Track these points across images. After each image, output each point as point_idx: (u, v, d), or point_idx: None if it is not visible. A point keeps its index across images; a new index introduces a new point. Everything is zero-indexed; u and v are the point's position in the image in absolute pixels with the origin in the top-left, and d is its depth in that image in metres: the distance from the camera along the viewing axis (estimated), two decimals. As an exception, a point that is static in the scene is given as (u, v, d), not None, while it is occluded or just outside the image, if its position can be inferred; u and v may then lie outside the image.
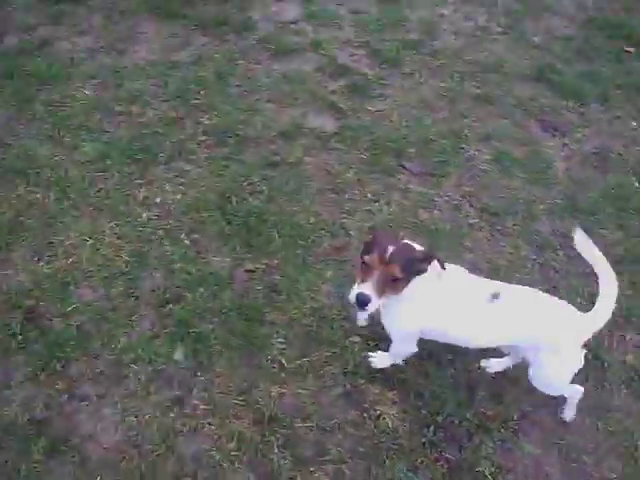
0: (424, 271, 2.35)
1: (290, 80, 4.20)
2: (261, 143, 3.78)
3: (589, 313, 2.41)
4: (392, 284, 2.29)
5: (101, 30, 4.47)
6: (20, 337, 2.79)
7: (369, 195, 3.55)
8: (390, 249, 2.24)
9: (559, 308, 2.45)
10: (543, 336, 2.43)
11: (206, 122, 3.83)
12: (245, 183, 3.54)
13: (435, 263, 2.34)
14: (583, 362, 2.47)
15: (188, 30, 4.48)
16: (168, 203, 3.41)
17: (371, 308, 2.29)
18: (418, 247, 2.38)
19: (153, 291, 3.01)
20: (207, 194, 3.46)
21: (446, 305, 2.43)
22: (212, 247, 3.21)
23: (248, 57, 4.33)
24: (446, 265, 2.36)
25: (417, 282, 2.37)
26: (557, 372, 2.51)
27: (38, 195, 3.42)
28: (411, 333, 2.59)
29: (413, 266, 2.31)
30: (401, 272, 2.26)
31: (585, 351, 2.45)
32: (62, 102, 3.93)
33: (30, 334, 2.80)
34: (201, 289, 3.01)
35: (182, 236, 3.25)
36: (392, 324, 2.59)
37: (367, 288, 2.25)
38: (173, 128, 3.80)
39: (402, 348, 2.69)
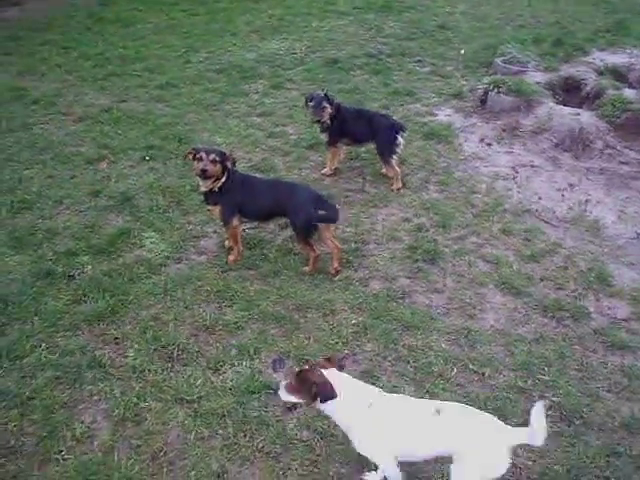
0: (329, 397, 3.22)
1: (627, 374, 4.50)
2: (604, 430, 4.05)
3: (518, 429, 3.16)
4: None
5: (452, 292, 5.30)
6: None
7: None
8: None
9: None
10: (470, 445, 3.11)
11: (552, 398, 4.23)
12: (592, 465, 3.79)
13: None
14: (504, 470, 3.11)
15: (529, 308, 5.12)
16: None
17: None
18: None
19: None
20: (553, 466, 3.78)
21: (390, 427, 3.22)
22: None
23: (584, 344, 4.78)
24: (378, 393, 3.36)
25: (348, 410, 3.26)
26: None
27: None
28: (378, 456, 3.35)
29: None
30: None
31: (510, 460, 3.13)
32: (422, 349, 4.66)
33: None
34: None
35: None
36: (360, 450, 3.35)
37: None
38: (521, 397, 4.25)
39: (388, 470, 3.36)
